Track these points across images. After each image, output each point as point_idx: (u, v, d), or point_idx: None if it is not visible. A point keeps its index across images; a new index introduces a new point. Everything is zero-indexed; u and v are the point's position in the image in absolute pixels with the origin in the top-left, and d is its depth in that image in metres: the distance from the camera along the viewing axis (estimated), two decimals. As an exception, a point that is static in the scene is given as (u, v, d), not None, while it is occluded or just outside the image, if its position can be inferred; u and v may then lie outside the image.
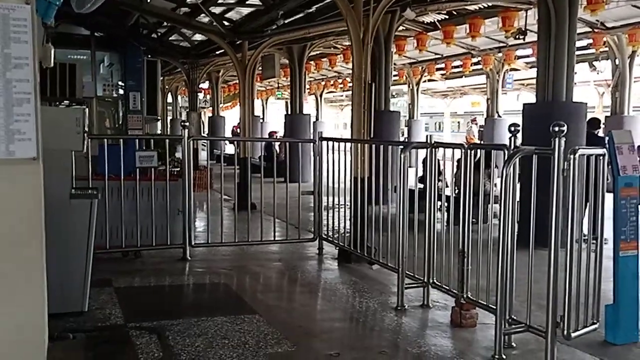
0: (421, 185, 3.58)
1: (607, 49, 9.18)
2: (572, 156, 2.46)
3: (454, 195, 3.38)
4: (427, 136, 3.39)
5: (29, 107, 1.98)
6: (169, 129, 19.43)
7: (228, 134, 17.66)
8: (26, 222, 2.01)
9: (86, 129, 2.83)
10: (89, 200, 2.91)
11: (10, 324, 1.99)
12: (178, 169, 5.83)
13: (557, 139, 2.43)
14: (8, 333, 1.99)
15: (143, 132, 8.12)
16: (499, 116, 13.23)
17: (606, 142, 2.84)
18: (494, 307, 2.79)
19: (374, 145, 4.30)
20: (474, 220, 3.12)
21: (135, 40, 8.43)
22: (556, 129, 2.41)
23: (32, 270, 2.03)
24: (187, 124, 4.52)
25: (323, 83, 18.15)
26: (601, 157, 2.67)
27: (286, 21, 6.76)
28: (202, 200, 6.20)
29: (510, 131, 2.71)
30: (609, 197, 2.79)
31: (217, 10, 7.81)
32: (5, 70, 1.93)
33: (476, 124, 17.59)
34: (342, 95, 24.23)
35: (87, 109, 3.23)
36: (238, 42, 7.89)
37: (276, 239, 5.09)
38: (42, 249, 2.04)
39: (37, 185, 2.03)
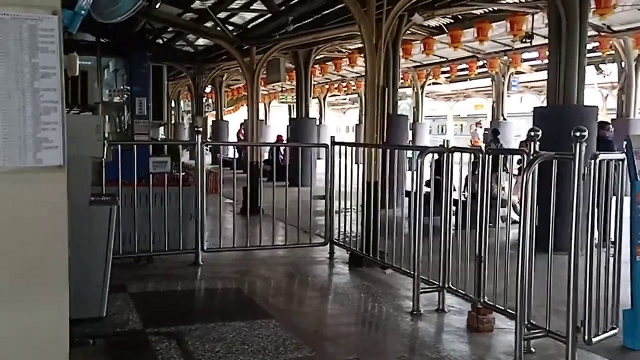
0: (428, 189, 3.60)
1: (613, 52, 9.20)
2: (592, 161, 2.46)
3: (469, 198, 3.38)
4: (444, 141, 3.40)
5: (56, 116, 2.00)
6: (172, 134, 19.50)
7: (232, 138, 17.68)
8: (52, 229, 2.02)
9: (106, 135, 2.85)
10: (109, 207, 2.93)
11: (35, 330, 2.00)
12: (183, 173, 5.84)
13: (578, 144, 2.43)
14: (32, 339, 2.00)
15: (149, 137, 8.15)
16: (504, 119, 13.24)
17: (623, 146, 2.84)
18: (512, 312, 2.78)
19: (388, 150, 4.31)
20: (491, 224, 3.12)
21: (141, 46, 8.46)
22: (577, 134, 2.41)
23: (57, 276, 2.04)
24: (200, 129, 4.54)
25: (327, 87, 18.19)
26: (620, 162, 2.67)
27: (295, 26, 6.78)
28: (211, 204, 6.21)
29: (529, 136, 2.72)
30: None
31: (222, 15, 7.85)
32: (33, 79, 1.95)
33: (481, 127, 17.60)
34: (344, 99, 24.29)
35: (106, 117, 3.25)
36: (245, 47, 7.93)
37: (287, 243, 5.09)
38: (66, 255, 2.06)
39: (63, 192, 2.05)
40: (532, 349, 2.82)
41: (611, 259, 2.80)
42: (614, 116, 10.00)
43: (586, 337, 2.59)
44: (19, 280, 1.98)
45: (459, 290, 3.40)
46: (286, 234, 5.05)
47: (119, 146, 4.42)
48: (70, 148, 2.11)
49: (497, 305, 3.09)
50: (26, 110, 1.96)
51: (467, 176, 3.53)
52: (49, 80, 1.97)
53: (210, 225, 5.92)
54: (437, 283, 3.50)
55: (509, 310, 2.95)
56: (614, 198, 2.79)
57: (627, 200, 2.87)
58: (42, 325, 2.01)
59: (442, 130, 29.59)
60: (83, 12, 2.12)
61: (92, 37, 8.06)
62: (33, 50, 1.95)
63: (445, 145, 3.36)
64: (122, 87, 8.46)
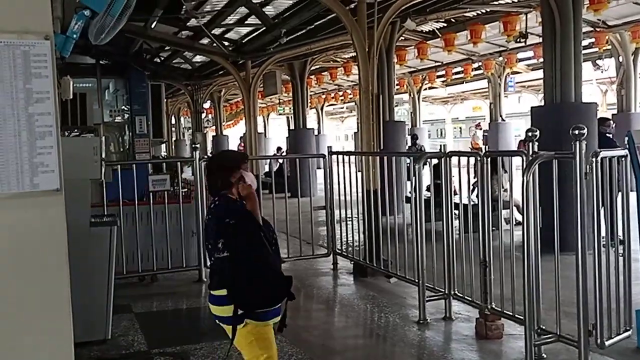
0: (428, 194, 3.57)
1: (609, 47, 9.15)
2: (593, 159, 2.43)
3: (470, 202, 3.34)
4: (440, 145, 3.38)
5: (51, 140, 1.99)
6: (173, 150, 19.59)
7: (232, 152, 17.65)
8: (51, 254, 2.00)
9: (103, 156, 2.85)
10: (109, 228, 2.92)
11: (38, 356, 1.97)
12: (185, 189, 5.83)
13: (577, 142, 2.40)
14: (36, 367, 1.97)
15: (150, 155, 8.18)
16: (502, 120, 13.23)
17: (625, 141, 2.81)
18: (521, 317, 2.73)
19: (385, 157, 4.29)
20: (494, 228, 3.08)
21: (139, 66, 8.55)
22: (576, 132, 2.38)
23: (59, 300, 2.01)
24: (197, 145, 4.54)
25: (324, 96, 18.27)
26: (623, 159, 2.64)
27: (288, 38, 6.83)
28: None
29: (527, 136, 2.69)
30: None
31: (217, 31, 7.92)
32: (28, 105, 1.95)
33: (480, 128, 17.56)
34: (342, 108, 24.39)
35: (103, 138, 3.26)
36: (241, 62, 7.99)
37: (290, 255, 5.05)
38: (68, 279, 2.03)
39: (61, 216, 2.04)
40: (543, 354, 2.76)
41: (620, 258, 2.74)
42: (615, 111, 9.94)
43: (599, 341, 2.53)
44: (20, 307, 1.95)
45: (466, 297, 3.35)
46: (288, 245, 5.01)
47: (119, 166, 4.41)
48: (68, 171, 2.10)
49: (505, 311, 3.03)
50: (22, 136, 1.95)
51: (475, 181, 3.46)
52: (43, 105, 1.97)
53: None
54: (443, 290, 3.45)
55: (517, 316, 2.89)
56: (619, 195, 2.74)
57: (633, 197, 2.83)
58: (46, 352, 1.98)
59: (441, 134, 29.56)
60: (75, 35, 2.13)
61: (91, 60, 8.17)
62: (27, 75, 1.95)
63: (442, 150, 3.34)
64: (120, 108, 8.53)
